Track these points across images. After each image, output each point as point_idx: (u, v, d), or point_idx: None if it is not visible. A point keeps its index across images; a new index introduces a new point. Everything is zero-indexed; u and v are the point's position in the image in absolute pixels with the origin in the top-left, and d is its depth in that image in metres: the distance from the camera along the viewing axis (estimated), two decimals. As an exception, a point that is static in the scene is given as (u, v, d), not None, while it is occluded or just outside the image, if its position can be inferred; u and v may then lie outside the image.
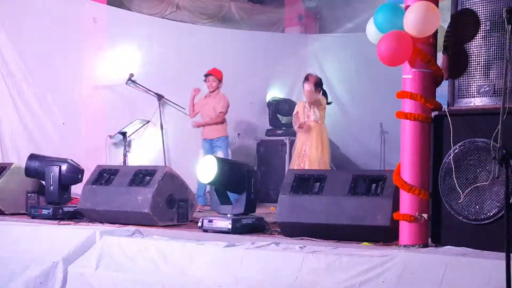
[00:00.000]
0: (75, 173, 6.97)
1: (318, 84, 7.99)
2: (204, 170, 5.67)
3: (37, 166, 6.97)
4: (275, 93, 11.22)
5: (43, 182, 7.06)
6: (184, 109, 9.85)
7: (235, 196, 5.81)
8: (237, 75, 10.76)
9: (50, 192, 6.85)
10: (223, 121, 8.79)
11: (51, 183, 6.83)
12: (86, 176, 6.91)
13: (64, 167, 6.87)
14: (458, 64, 4.69)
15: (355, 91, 11.09)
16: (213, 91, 8.82)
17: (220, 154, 8.38)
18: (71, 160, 7.04)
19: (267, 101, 11.05)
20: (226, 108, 8.72)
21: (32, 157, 7.08)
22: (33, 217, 6.77)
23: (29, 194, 7.13)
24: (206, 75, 8.91)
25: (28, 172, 7.07)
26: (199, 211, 7.42)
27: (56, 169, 6.82)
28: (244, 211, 5.68)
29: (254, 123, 11.22)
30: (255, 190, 5.76)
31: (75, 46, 9.41)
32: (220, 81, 8.82)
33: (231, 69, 10.63)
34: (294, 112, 8.06)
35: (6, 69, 8.81)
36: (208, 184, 5.79)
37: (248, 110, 11.16)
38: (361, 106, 11.08)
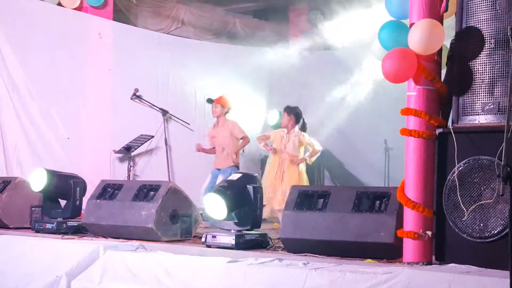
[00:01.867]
0: (85, 187, 7.06)
1: (298, 116, 8.74)
2: (213, 209, 5.67)
3: (56, 182, 6.92)
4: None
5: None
6: (189, 124, 9.89)
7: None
8: (241, 90, 10.79)
9: (76, 207, 6.88)
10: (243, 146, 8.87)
11: (77, 198, 6.87)
12: (90, 191, 6.92)
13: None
14: (463, 81, 4.70)
15: (360, 107, 11.10)
16: (218, 117, 8.84)
17: (221, 177, 8.47)
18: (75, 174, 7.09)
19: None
20: (243, 131, 8.82)
21: (50, 173, 6.89)
22: (37, 231, 6.78)
23: (33, 208, 7.13)
24: (209, 102, 8.96)
25: (49, 188, 6.88)
26: (207, 227, 7.43)
27: (81, 184, 6.90)
28: (251, 227, 5.68)
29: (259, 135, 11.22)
30: (261, 206, 5.76)
31: (80, 61, 9.46)
32: (223, 107, 8.82)
33: (236, 84, 10.68)
34: (263, 134, 8.97)
35: (11, 83, 8.84)
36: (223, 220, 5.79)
37: (252, 126, 11.17)
38: (365, 122, 11.08)
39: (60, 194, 6.98)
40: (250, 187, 5.71)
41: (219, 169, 8.68)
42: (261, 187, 5.85)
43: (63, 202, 7.03)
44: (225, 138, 8.67)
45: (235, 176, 5.91)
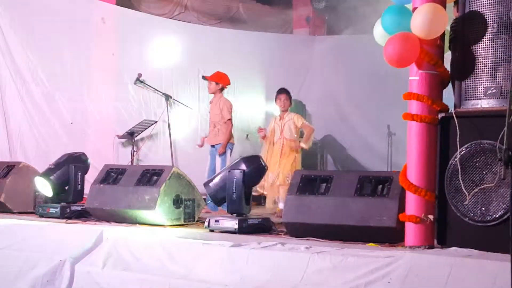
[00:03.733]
0: (87, 166, 7.09)
1: (290, 97, 8.47)
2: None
3: (59, 180, 6.93)
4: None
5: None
6: (192, 108, 9.91)
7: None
8: (244, 76, 10.79)
9: (77, 191, 6.92)
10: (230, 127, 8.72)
11: (79, 183, 6.91)
12: (93, 175, 6.94)
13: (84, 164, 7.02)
14: (465, 66, 4.69)
15: (363, 92, 11.10)
16: (213, 94, 8.76)
17: (219, 159, 8.38)
18: (77, 153, 7.11)
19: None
20: (230, 113, 8.59)
21: (51, 180, 6.88)
22: (41, 215, 6.81)
23: (37, 193, 7.15)
24: (203, 79, 8.84)
25: (56, 191, 6.93)
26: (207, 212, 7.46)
27: (82, 167, 6.94)
28: (228, 211, 5.76)
29: (262, 124, 11.24)
30: (238, 190, 5.73)
31: (83, 46, 9.46)
32: (217, 83, 8.69)
33: (239, 70, 10.67)
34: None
35: (15, 69, 8.87)
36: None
37: (255, 112, 11.18)
38: (368, 107, 11.08)
39: (66, 184, 7.00)
40: (227, 171, 5.79)
41: (213, 146, 8.58)
42: (244, 171, 5.80)
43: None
44: (216, 116, 8.55)
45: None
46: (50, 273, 5.48)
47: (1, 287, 5.73)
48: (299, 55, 11.64)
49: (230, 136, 8.40)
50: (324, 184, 5.37)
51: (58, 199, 6.91)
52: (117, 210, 6.39)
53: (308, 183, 5.44)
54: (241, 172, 5.73)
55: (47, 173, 6.90)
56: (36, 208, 7.02)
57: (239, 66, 10.75)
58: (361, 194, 5.15)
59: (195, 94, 10.20)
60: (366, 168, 10.76)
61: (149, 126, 9.74)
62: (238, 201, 5.75)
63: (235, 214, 5.73)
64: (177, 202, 6.27)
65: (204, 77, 8.75)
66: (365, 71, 10.87)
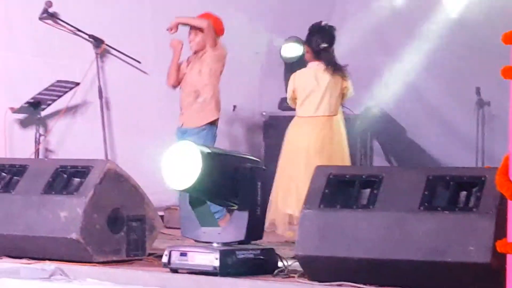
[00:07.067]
0: None
1: None
2: (177, 168, 5.75)
3: None
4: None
5: None
6: (140, 63, 9.93)
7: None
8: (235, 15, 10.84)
9: None
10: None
11: None
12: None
13: None
14: None
15: (436, 43, 11.14)
16: (197, 52, 8.79)
17: None
18: None
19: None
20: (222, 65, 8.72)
21: None
22: None
23: None
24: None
25: None
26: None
27: None
28: (246, 236, 5.77)
29: (259, 89, 11.30)
30: (263, 201, 5.85)
31: None
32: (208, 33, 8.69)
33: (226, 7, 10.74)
34: None
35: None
36: (183, 191, 5.85)
37: (249, 70, 11.22)
38: (445, 63, 11.11)
39: None
40: (248, 169, 5.85)
41: (191, 129, 8.55)
42: (266, 170, 5.95)
43: None
44: (198, 74, 8.64)
45: None
46: None
47: None
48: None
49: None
50: (368, 190, 5.42)
51: None
52: (11, 235, 6.46)
53: (340, 188, 5.49)
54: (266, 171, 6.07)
55: None
56: None
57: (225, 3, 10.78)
58: (431, 207, 5.18)
59: (146, 39, 10.22)
60: (440, 161, 10.81)
61: (66, 92, 9.74)
62: (262, 220, 5.96)
63: (216, 243, 5.76)
64: (115, 222, 6.32)
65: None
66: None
